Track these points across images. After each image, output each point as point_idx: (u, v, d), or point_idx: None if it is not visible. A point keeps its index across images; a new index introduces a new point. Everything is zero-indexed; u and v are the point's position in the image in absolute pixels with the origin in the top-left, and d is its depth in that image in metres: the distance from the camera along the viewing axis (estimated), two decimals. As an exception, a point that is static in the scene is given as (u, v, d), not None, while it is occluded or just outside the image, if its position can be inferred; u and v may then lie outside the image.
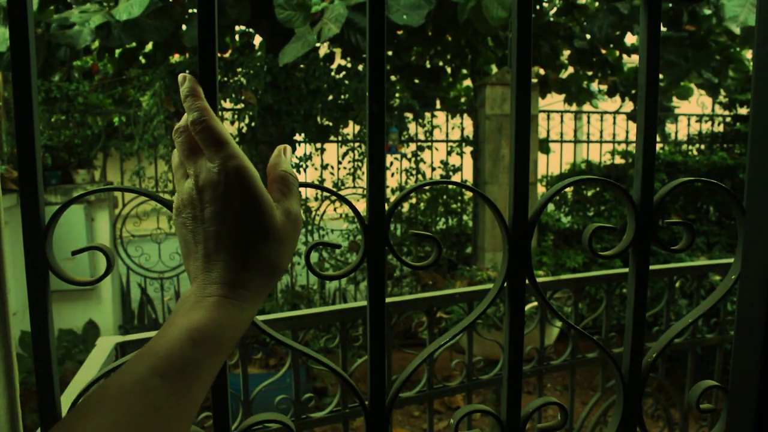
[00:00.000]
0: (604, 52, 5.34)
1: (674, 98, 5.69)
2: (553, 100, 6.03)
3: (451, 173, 4.84)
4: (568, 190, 5.10)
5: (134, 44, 4.66)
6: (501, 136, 4.62)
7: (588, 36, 4.83)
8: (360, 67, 4.40)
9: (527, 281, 0.61)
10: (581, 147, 5.43)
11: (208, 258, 0.45)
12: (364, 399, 0.59)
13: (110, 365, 0.58)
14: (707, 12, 4.47)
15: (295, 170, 0.52)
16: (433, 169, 4.82)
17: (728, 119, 5.66)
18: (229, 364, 0.55)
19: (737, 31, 4.55)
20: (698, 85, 5.25)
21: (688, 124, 5.66)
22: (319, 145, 4.50)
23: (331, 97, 4.24)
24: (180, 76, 0.49)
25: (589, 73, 5.59)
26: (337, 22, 3.00)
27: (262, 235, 0.45)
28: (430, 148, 4.78)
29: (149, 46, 4.83)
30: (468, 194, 4.96)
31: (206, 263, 0.45)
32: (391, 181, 4.70)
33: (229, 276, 0.44)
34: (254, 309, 0.45)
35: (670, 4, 4.25)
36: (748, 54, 5.23)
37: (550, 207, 5.26)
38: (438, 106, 5.71)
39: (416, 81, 5.58)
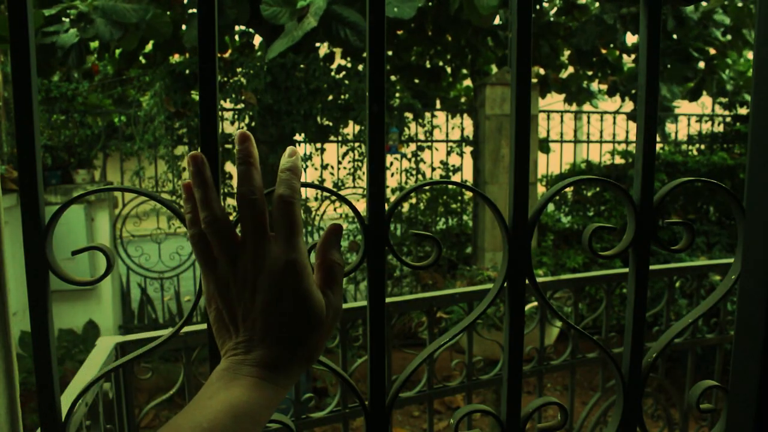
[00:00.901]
0: (604, 52, 5.35)
1: (675, 99, 5.70)
2: (553, 100, 6.04)
3: (451, 173, 4.84)
4: (568, 190, 5.11)
5: (132, 43, 4.65)
6: (501, 136, 4.62)
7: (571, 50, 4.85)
8: (360, 67, 4.40)
9: (527, 281, 0.61)
10: (581, 147, 5.43)
11: (251, 341, 0.46)
12: (364, 399, 0.59)
13: (110, 365, 0.58)
14: (694, 18, 4.48)
15: (341, 257, 0.53)
16: (433, 169, 4.82)
17: (728, 119, 5.67)
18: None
19: (721, 37, 4.58)
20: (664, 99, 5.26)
21: (688, 124, 5.66)
22: (319, 145, 4.50)
23: (331, 97, 4.23)
24: (289, 149, 0.50)
25: (589, 73, 5.59)
26: (316, 15, 3.01)
27: (307, 329, 0.47)
28: (430, 148, 4.78)
29: (149, 46, 4.83)
30: (468, 194, 4.96)
31: (248, 344, 0.46)
32: (391, 181, 4.70)
33: (270, 361, 0.45)
34: (286, 391, 0.47)
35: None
36: (749, 54, 5.23)
37: (550, 207, 5.26)
38: (438, 106, 5.72)
39: (416, 81, 5.58)
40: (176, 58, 4.81)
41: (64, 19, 3.50)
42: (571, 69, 5.65)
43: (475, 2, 3.20)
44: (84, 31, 3.36)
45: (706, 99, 5.78)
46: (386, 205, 0.57)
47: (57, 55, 3.47)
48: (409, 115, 4.63)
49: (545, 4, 5.25)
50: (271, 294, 0.46)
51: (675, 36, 4.56)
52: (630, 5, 4.28)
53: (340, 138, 4.53)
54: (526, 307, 1.34)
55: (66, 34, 3.39)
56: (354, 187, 4.58)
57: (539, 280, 1.90)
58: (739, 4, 4.56)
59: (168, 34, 3.69)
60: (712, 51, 5.13)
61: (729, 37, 4.82)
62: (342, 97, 4.23)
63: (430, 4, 4.42)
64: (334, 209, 4.98)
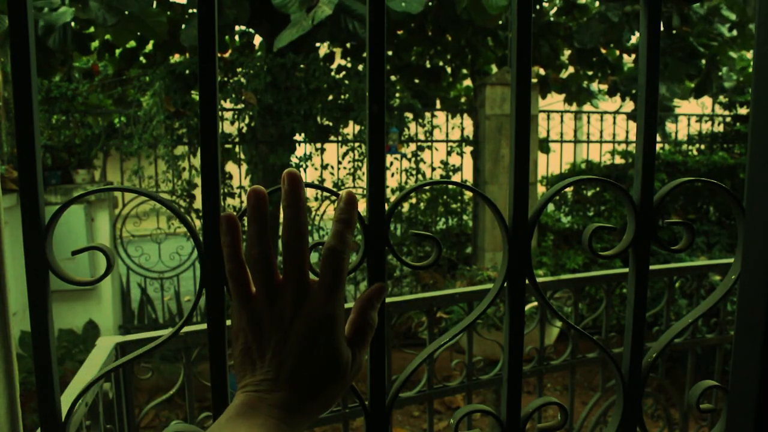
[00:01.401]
0: (604, 51, 5.34)
1: (675, 98, 5.70)
2: (553, 100, 6.03)
3: (451, 173, 4.84)
4: (568, 190, 5.11)
5: (125, 38, 4.63)
6: (501, 136, 4.62)
7: (577, 45, 4.83)
8: (360, 67, 4.40)
9: (527, 281, 0.61)
10: (581, 147, 5.43)
11: (276, 381, 0.47)
12: (364, 399, 0.59)
13: (110, 365, 0.58)
14: (700, 13, 4.48)
15: (376, 319, 0.53)
16: (433, 169, 4.82)
17: (728, 119, 5.66)
18: (229, 364, 0.55)
19: (727, 33, 4.56)
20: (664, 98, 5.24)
21: (688, 124, 5.66)
22: (319, 145, 4.50)
23: (331, 97, 4.23)
24: (344, 194, 0.51)
25: (589, 73, 5.59)
26: (331, 4, 2.99)
27: (330, 380, 0.48)
28: (430, 148, 4.78)
29: (149, 46, 4.83)
30: (468, 194, 4.96)
31: (272, 384, 0.47)
32: (391, 181, 4.70)
33: (290, 404, 0.46)
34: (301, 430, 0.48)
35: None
36: (749, 54, 5.23)
37: (550, 207, 5.26)
38: (438, 106, 5.72)
39: (416, 81, 5.58)
40: (176, 58, 4.81)
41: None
42: (571, 69, 5.65)
43: (483, 2, 3.17)
44: (84, 11, 3.31)
45: (706, 99, 5.77)
46: (386, 205, 0.57)
47: (39, 33, 3.40)
48: (409, 115, 4.63)
49: (545, 4, 5.25)
50: (305, 341, 0.47)
51: (677, 32, 4.55)
52: (634, 3, 4.27)
53: (340, 138, 4.53)
54: (526, 307, 1.34)
55: (56, 12, 3.34)
56: (354, 187, 4.58)
57: (539, 280, 1.90)
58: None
59: (164, 35, 3.67)
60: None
61: (735, 32, 4.81)
62: (342, 97, 4.23)
63: (430, 3, 4.41)
64: (334, 209, 4.97)
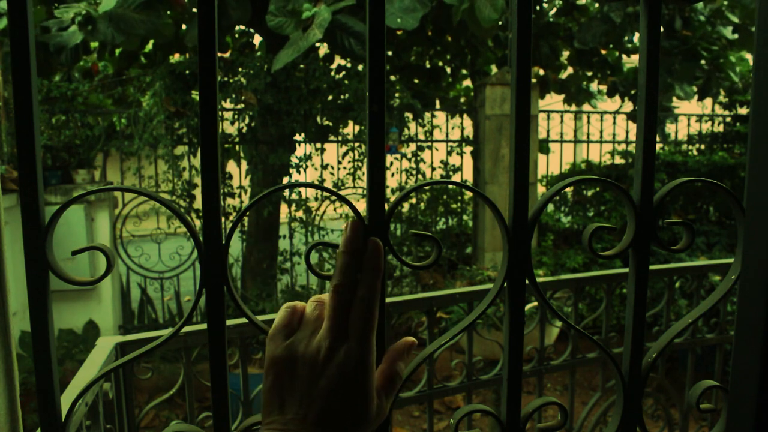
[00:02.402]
0: (603, 52, 5.35)
1: (674, 98, 5.70)
2: (553, 100, 6.03)
3: (451, 173, 4.84)
4: (568, 190, 5.11)
5: (134, 44, 4.64)
6: (501, 136, 4.62)
7: (579, 44, 4.83)
8: (360, 67, 4.40)
9: (527, 281, 0.61)
10: (581, 147, 5.43)
11: (304, 422, 0.48)
12: (364, 399, 0.59)
13: (110, 365, 0.58)
14: (701, 18, 4.48)
15: (404, 370, 0.56)
16: (433, 169, 4.82)
17: (728, 119, 5.67)
18: (229, 364, 0.56)
19: (730, 35, 4.56)
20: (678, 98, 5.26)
21: (688, 124, 5.66)
22: (319, 145, 4.50)
23: (331, 97, 4.23)
24: (372, 243, 0.51)
25: (589, 74, 5.59)
26: (321, 27, 3.01)
27: (356, 425, 0.49)
28: (430, 148, 4.78)
29: (149, 46, 4.83)
30: (468, 194, 4.96)
31: (300, 425, 0.48)
32: (391, 181, 4.70)
33: None
34: None
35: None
36: (748, 55, 5.23)
37: (550, 207, 5.26)
38: (438, 106, 5.72)
39: (416, 81, 5.58)
40: (176, 58, 4.81)
41: (60, 15, 3.47)
42: (570, 69, 5.65)
43: (476, 15, 3.20)
44: (93, 34, 3.34)
45: (706, 99, 5.78)
46: (386, 205, 0.57)
47: (50, 50, 3.44)
48: (409, 115, 4.63)
49: (545, 5, 5.25)
50: (337, 384, 0.48)
51: (677, 35, 4.55)
52: (636, 4, 4.27)
53: (340, 138, 4.53)
54: (526, 307, 1.34)
55: (66, 32, 3.37)
56: (354, 187, 4.58)
57: (539, 280, 1.90)
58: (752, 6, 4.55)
59: (170, 36, 3.68)
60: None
61: (736, 36, 4.81)
62: (342, 97, 4.23)
63: (431, 3, 4.41)
64: (334, 209, 4.97)
